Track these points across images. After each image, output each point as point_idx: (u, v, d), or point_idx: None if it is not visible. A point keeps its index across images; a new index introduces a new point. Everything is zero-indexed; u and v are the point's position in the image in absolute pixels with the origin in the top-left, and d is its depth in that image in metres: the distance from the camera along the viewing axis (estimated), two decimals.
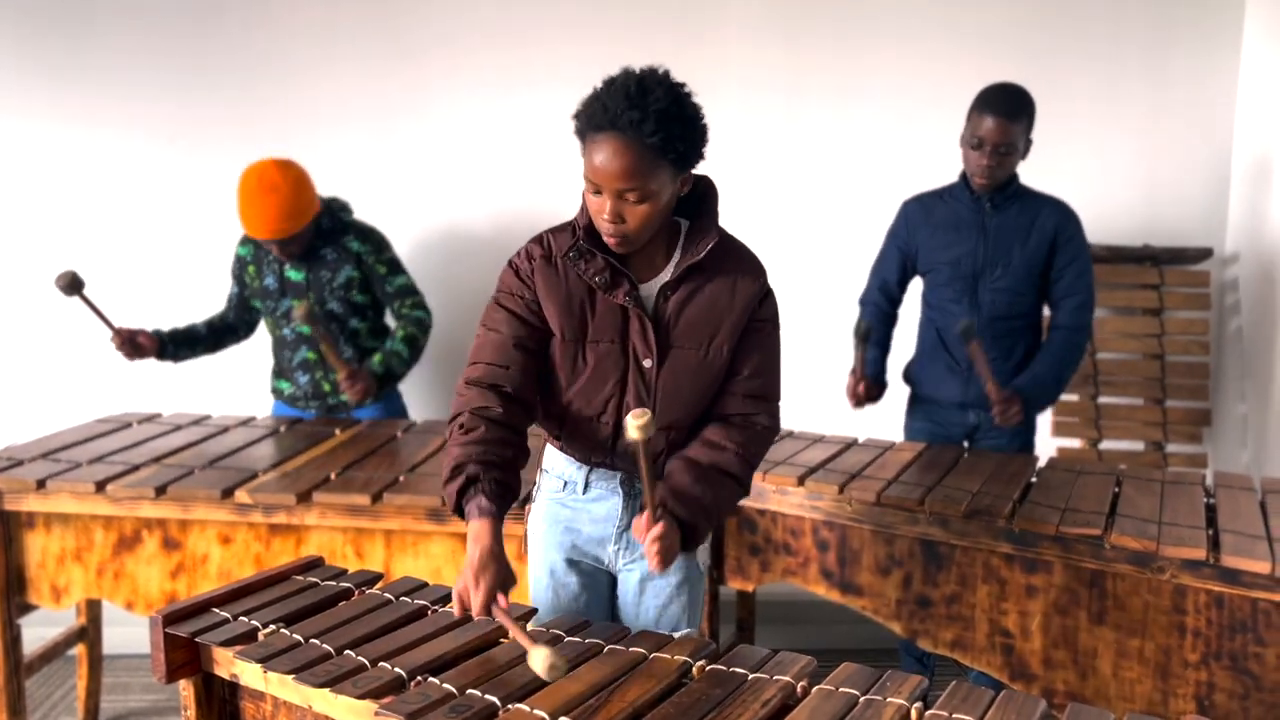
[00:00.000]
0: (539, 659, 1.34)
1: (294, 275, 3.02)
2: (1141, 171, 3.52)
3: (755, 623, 3.03)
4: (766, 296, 1.84)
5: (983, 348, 2.67)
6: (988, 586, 2.32)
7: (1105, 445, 3.47)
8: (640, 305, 1.76)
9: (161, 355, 3.02)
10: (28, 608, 2.61)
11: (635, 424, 1.47)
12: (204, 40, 3.46)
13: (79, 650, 3.00)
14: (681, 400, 1.79)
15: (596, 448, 1.84)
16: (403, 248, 3.37)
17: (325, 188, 3.17)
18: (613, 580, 1.94)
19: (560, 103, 3.41)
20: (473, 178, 3.53)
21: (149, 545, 2.50)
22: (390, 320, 3.17)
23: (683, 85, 1.69)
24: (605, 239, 1.72)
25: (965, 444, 2.87)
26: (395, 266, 3.08)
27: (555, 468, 1.91)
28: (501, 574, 1.58)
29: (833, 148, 3.53)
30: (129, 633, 3.36)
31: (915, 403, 2.97)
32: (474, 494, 1.65)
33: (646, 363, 1.76)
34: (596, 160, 1.65)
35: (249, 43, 3.46)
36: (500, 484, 1.67)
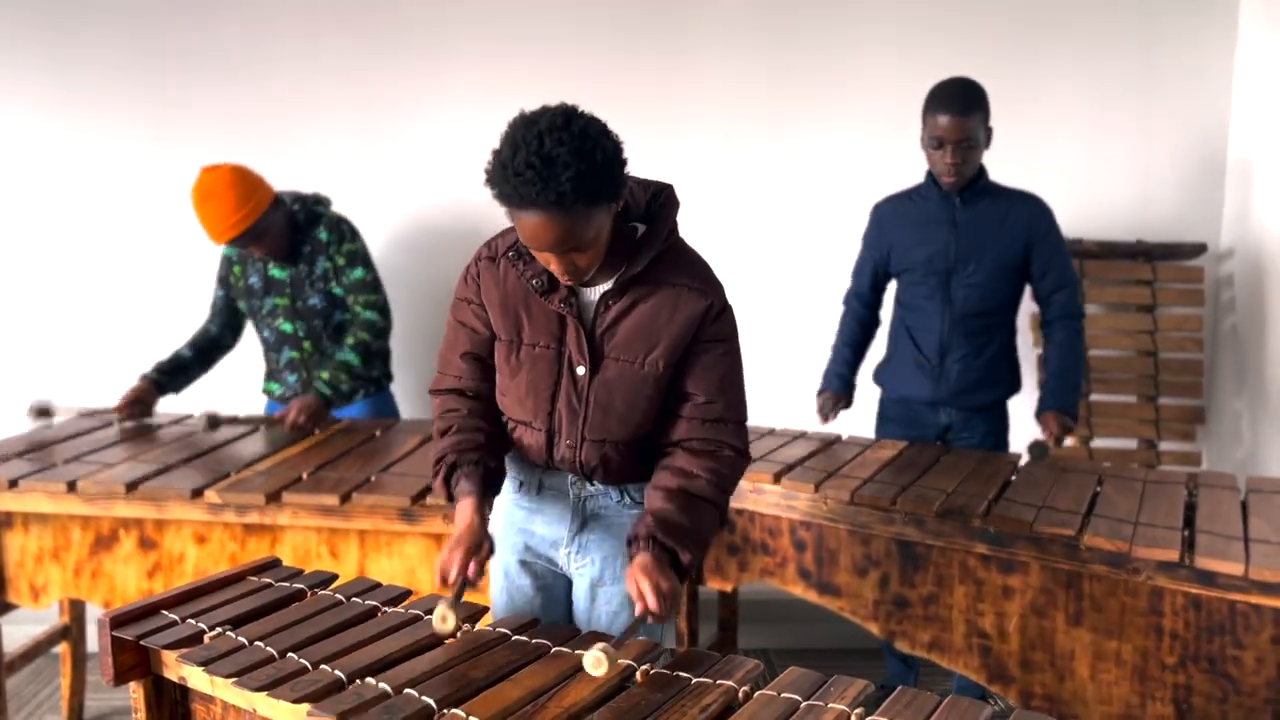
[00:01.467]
0: (435, 612, 1.47)
1: (278, 273, 3.02)
2: (1135, 166, 3.48)
3: (738, 622, 3.00)
4: (720, 315, 1.76)
5: (1052, 446, 2.67)
6: (965, 587, 2.29)
7: (1097, 443, 3.43)
8: (577, 312, 1.74)
9: (162, 393, 3.01)
10: (7, 607, 2.61)
11: (592, 663, 1.42)
12: (188, 37, 3.45)
13: (62, 648, 3.01)
14: (614, 412, 1.76)
15: (534, 456, 1.84)
16: (385, 246, 3.36)
17: (307, 186, 3.16)
18: (569, 584, 1.92)
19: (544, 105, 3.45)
20: (455, 178, 3.51)
21: (126, 545, 2.50)
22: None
23: (584, 127, 1.56)
24: (559, 278, 1.71)
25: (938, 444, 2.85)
26: (354, 259, 3.04)
27: (512, 468, 1.90)
28: (474, 544, 1.68)
29: (816, 151, 3.50)
30: None
31: (887, 403, 2.95)
32: (456, 479, 1.77)
33: (580, 370, 1.75)
34: (525, 229, 1.60)
35: (233, 41, 3.46)
36: (478, 464, 1.77)
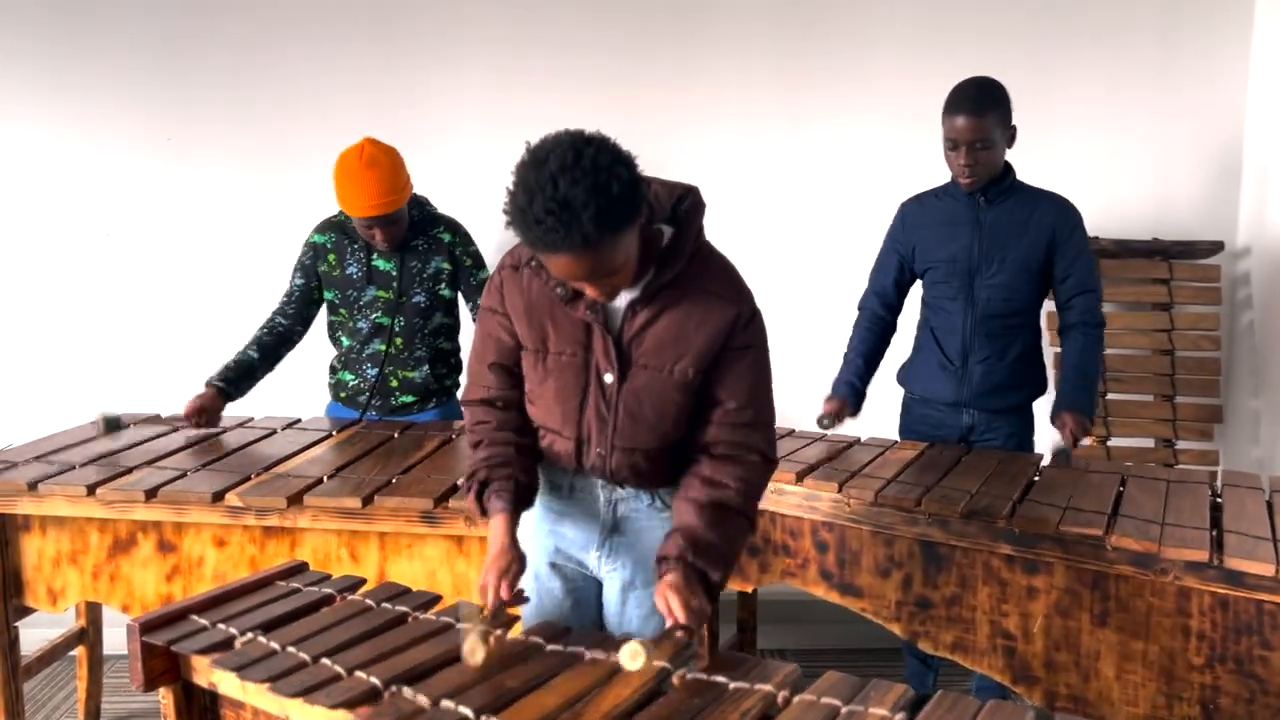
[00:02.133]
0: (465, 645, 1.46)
1: (382, 264, 2.96)
2: (1151, 165, 3.47)
3: (756, 623, 2.99)
4: (750, 322, 1.75)
5: (1074, 447, 2.66)
6: (988, 588, 2.28)
7: (1114, 443, 3.42)
8: (603, 320, 1.72)
9: (229, 399, 2.93)
10: (25, 610, 2.60)
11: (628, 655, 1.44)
12: (199, 42, 3.45)
13: (79, 652, 3.00)
14: (644, 420, 1.75)
15: (563, 465, 1.83)
16: None
17: (320, 196, 3.15)
18: (599, 587, 1.91)
19: (556, 110, 3.41)
20: (468, 183, 3.51)
21: (144, 548, 2.49)
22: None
23: (594, 159, 1.52)
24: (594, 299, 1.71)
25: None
26: (480, 261, 3.04)
27: (544, 470, 1.89)
28: (508, 563, 1.68)
29: (831, 150, 3.50)
30: None
31: (910, 404, 2.93)
32: (488, 496, 1.78)
33: (608, 378, 1.73)
34: (554, 269, 1.61)
35: (244, 45, 3.45)
36: (510, 480, 1.77)
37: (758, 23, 3.44)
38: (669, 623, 1.58)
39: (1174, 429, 3.39)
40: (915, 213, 2.84)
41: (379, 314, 2.97)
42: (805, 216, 3.51)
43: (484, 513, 1.79)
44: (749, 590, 2.64)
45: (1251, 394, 3.48)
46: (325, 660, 1.45)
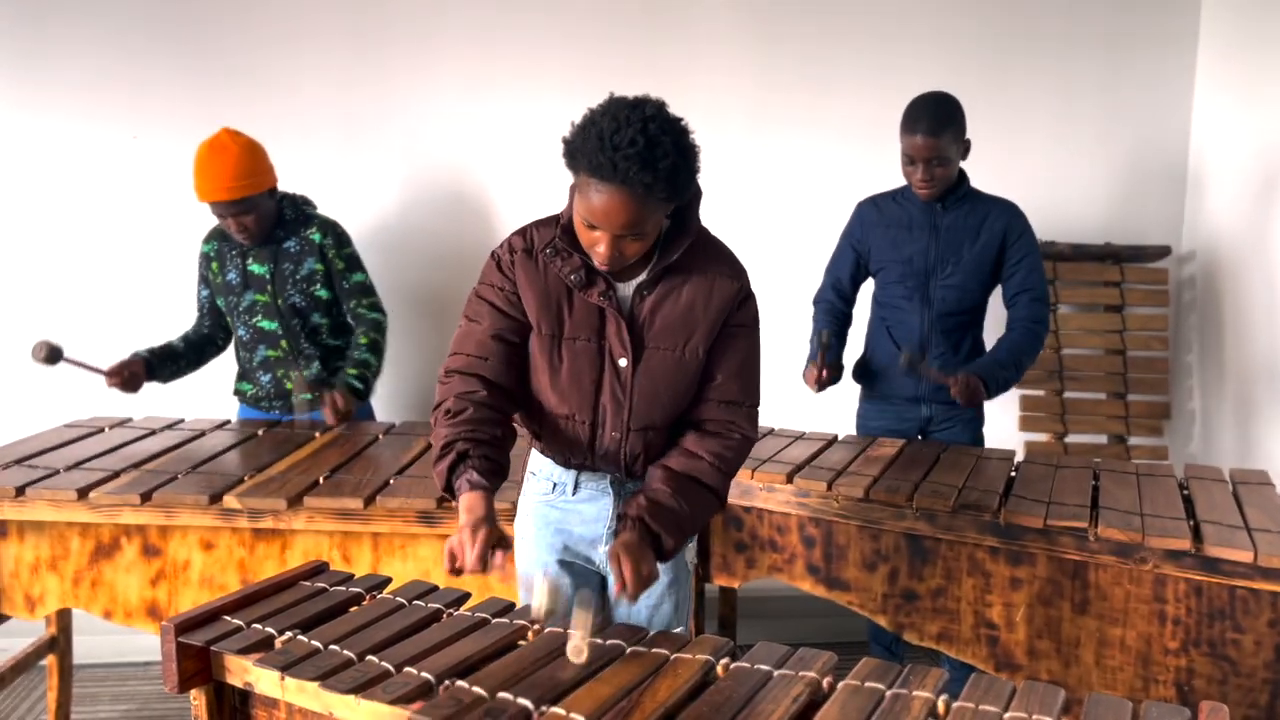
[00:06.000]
0: (570, 644, 1.44)
1: (256, 268, 2.98)
2: (1102, 171, 3.61)
3: (737, 618, 3.05)
4: (746, 299, 1.83)
5: (927, 367, 2.76)
6: (973, 579, 2.37)
7: (1070, 439, 3.56)
8: (616, 305, 1.76)
9: (151, 376, 2.95)
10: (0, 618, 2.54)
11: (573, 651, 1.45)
12: (169, 33, 3.39)
13: (49, 661, 2.92)
14: (659, 401, 1.80)
15: (575, 448, 1.85)
16: (368, 250, 3.33)
17: (291, 187, 3.13)
18: (604, 581, 1.95)
19: (527, 108, 3.46)
20: (440, 182, 3.51)
21: (128, 553, 2.45)
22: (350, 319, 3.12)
23: (683, 125, 1.64)
24: (596, 264, 1.73)
25: (919, 436, 2.95)
26: (354, 263, 3.04)
27: (542, 470, 1.92)
28: (496, 534, 1.61)
29: (800, 151, 3.58)
30: (96, 642, 3.30)
31: (868, 399, 3.05)
32: (464, 469, 1.69)
33: (622, 362, 1.77)
34: (597, 204, 1.62)
35: (216, 38, 3.41)
36: (490, 460, 1.71)
37: (728, 29, 3.50)
38: (615, 588, 1.64)
39: (1126, 425, 3.54)
40: (872, 213, 2.95)
41: (260, 317, 3.00)
42: (771, 217, 3.58)
43: (449, 485, 1.70)
44: (736, 586, 2.69)
45: (1194, 391, 3.64)
46: (371, 657, 1.46)
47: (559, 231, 1.76)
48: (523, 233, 1.82)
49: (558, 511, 1.92)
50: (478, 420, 1.72)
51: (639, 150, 1.56)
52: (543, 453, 1.92)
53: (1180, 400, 3.67)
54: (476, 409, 1.73)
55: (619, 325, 1.76)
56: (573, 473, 1.89)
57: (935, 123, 2.71)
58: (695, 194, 1.81)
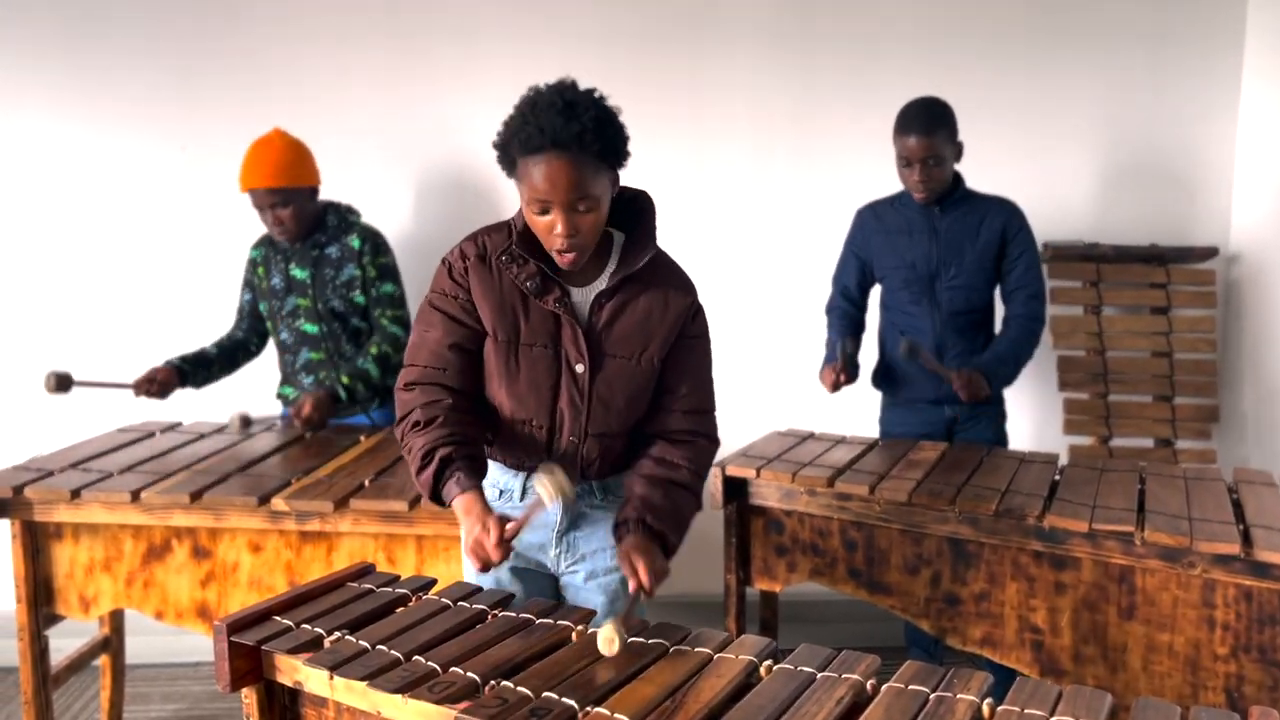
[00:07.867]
0: (601, 634, 1.48)
1: (298, 273, 3.04)
2: (1147, 172, 3.57)
3: (779, 622, 3.05)
4: (697, 312, 1.89)
5: (926, 354, 2.80)
6: (1017, 584, 2.36)
7: (1116, 442, 3.52)
8: (571, 312, 1.79)
9: (183, 384, 3.02)
10: (55, 619, 2.60)
11: (604, 641, 1.49)
12: (215, 42, 3.46)
13: (102, 661, 2.99)
14: (615, 407, 1.83)
15: (531, 452, 1.87)
16: (410, 257, 3.37)
17: (336, 196, 3.18)
18: (555, 583, 1.99)
19: None
20: (484, 186, 3.54)
21: (179, 554, 2.50)
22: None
23: (600, 95, 1.71)
24: (558, 259, 1.75)
25: (947, 439, 2.94)
26: (386, 272, 3.07)
27: (490, 477, 1.93)
28: (504, 519, 1.66)
29: (802, 156, 3.57)
30: (147, 642, 3.36)
31: (891, 404, 3.05)
32: (451, 474, 1.72)
33: (579, 368, 1.80)
34: (540, 179, 1.66)
35: (261, 49, 3.47)
36: (473, 459, 1.76)
37: (760, 38, 3.50)
38: (632, 585, 1.68)
39: (1173, 429, 3.49)
40: (871, 220, 2.99)
41: (303, 321, 3.06)
42: (782, 216, 3.58)
43: (437, 493, 1.73)
44: (776, 590, 2.69)
45: (1244, 394, 3.59)
46: (418, 657, 1.48)
47: (515, 238, 1.78)
48: (474, 239, 1.84)
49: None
50: (453, 424, 1.76)
51: (559, 109, 1.63)
52: (492, 458, 1.93)
53: (1231, 403, 3.61)
54: (447, 415, 1.76)
55: (575, 332, 1.79)
56: (520, 477, 1.91)
57: (928, 123, 2.76)
58: (650, 208, 1.85)
